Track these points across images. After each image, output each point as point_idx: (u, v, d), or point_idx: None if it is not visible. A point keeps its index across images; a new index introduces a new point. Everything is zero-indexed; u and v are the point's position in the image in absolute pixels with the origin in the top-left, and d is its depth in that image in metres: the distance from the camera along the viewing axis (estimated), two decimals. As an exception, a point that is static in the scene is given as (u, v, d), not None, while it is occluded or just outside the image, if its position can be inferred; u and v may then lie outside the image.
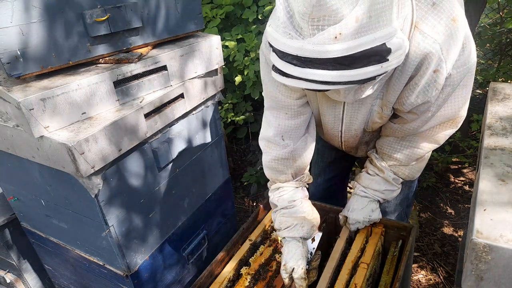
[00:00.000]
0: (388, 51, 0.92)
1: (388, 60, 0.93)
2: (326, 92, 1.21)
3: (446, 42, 1.08)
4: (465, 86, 1.23)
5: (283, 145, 1.42)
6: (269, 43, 0.99)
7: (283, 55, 0.95)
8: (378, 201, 1.51)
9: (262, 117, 1.47)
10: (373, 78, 0.96)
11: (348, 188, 3.14)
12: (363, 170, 1.54)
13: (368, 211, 1.49)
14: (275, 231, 1.66)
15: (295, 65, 0.93)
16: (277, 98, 1.35)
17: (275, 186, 1.50)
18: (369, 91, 1.15)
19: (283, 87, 1.32)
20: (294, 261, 1.40)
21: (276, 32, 0.95)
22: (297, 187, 1.50)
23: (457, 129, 1.36)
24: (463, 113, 1.31)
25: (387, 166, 1.45)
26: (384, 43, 0.91)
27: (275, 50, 0.97)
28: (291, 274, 1.39)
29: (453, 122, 1.33)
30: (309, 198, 2.07)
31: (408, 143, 1.39)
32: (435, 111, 1.27)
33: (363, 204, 1.49)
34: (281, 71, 0.98)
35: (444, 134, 1.37)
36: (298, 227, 1.45)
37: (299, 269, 1.38)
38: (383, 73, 0.96)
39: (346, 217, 1.55)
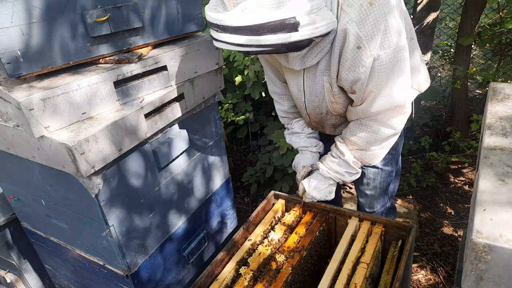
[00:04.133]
0: (297, 24, 1.16)
1: (298, 31, 1.18)
2: (280, 60, 1.48)
3: (361, 21, 1.28)
4: (399, 73, 1.38)
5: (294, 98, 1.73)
6: None
7: (210, 24, 1.26)
8: (338, 183, 1.70)
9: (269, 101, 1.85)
10: (289, 45, 1.22)
11: (342, 188, 3.14)
12: (328, 152, 1.72)
13: (327, 192, 1.69)
14: (274, 231, 1.66)
15: (217, 31, 1.24)
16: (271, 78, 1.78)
17: (297, 120, 1.86)
18: (311, 60, 1.42)
19: (270, 76, 1.77)
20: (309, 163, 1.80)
21: (208, 7, 1.27)
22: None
23: (407, 116, 1.51)
24: (404, 101, 1.46)
25: (348, 150, 1.61)
26: (294, 17, 1.15)
27: (207, 22, 1.27)
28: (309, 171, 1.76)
29: (399, 109, 1.47)
30: None
31: (365, 127, 1.54)
32: (377, 92, 1.41)
33: (324, 185, 1.69)
34: (212, 37, 1.29)
35: (397, 120, 1.50)
36: (318, 146, 1.85)
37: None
38: (295, 41, 1.20)
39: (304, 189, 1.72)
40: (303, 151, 1.85)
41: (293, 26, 1.17)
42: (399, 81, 1.40)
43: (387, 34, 1.30)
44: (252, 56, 2.85)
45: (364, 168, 1.79)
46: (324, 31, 1.24)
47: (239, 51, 1.31)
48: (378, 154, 1.60)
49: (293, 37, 1.19)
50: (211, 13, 1.24)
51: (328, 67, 1.46)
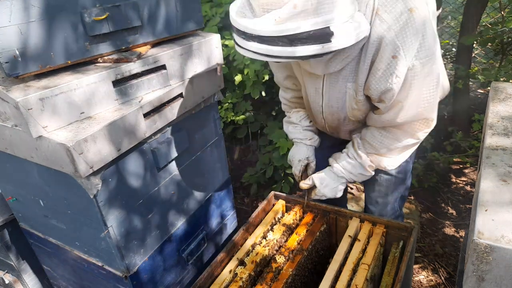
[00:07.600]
0: (331, 34, 1.09)
1: (331, 41, 1.10)
2: (301, 63, 1.43)
3: (400, 29, 1.19)
4: (430, 84, 1.32)
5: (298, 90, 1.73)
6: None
7: (236, 30, 1.17)
8: (346, 181, 1.66)
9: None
10: (319, 55, 1.14)
11: (348, 188, 3.13)
12: (343, 150, 1.66)
13: (337, 190, 1.66)
14: (273, 231, 1.65)
15: (243, 39, 1.15)
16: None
17: (297, 110, 1.82)
18: (336, 66, 1.34)
19: (273, 68, 1.72)
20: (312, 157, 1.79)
21: (233, 11, 1.18)
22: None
23: (432, 127, 1.46)
24: (432, 114, 1.41)
25: (365, 153, 1.56)
26: (328, 27, 1.07)
27: (232, 26, 1.19)
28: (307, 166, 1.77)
29: (426, 121, 1.42)
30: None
31: (388, 134, 1.49)
32: (406, 104, 1.35)
33: (336, 183, 1.65)
34: (236, 43, 1.21)
35: (423, 132, 1.46)
36: (314, 139, 1.80)
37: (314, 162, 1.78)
38: (325, 53, 1.13)
39: (313, 185, 1.70)
40: (297, 143, 1.82)
41: (326, 37, 1.09)
42: (429, 93, 1.34)
43: (424, 43, 1.23)
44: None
45: (377, 175, 1.72)
46: (357, 40, 1.16)
47: (261, 60, 1.23)
48: (396, 160, 1.56)
49: (325, 48, 1.11)
50: (238, 18, 1.14)
51: (353, 74, 1.38)
